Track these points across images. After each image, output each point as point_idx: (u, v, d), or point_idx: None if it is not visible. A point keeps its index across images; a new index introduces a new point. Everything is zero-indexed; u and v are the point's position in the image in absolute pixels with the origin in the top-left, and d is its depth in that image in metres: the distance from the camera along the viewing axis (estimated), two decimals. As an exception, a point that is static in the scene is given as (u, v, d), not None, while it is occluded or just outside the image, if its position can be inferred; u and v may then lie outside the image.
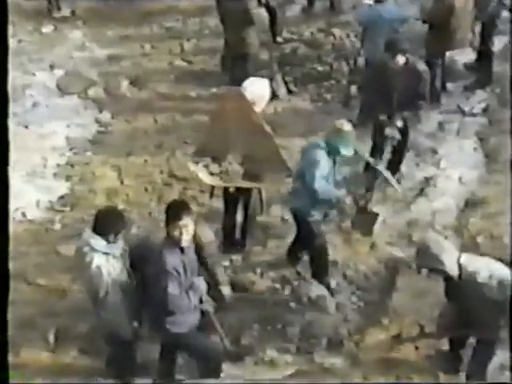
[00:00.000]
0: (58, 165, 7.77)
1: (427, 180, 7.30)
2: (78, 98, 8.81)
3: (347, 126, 5.75)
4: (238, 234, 6.58)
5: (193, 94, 8.79)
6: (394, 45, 6.60)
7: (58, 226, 6.98)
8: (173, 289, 4.69)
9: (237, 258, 6.50)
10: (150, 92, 8.91)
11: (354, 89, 8.35)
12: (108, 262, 4.73)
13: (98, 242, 4.74)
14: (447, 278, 4.98)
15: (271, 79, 7.57)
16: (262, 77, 6.67)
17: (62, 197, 7.34)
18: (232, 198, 6.28)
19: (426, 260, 4.93)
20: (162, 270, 4.69)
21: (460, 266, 4.90)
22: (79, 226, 6.76)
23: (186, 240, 4.77)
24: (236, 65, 8.10)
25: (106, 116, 8.52)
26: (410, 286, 6.08)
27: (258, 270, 6.39)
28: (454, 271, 4.89)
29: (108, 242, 4.75)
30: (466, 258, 4.98)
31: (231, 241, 6.55)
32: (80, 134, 8.20)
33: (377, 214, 6.17)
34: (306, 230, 5.94)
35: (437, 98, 8.13)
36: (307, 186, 5.62)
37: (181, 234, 4.71)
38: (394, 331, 5.77)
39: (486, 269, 4.93)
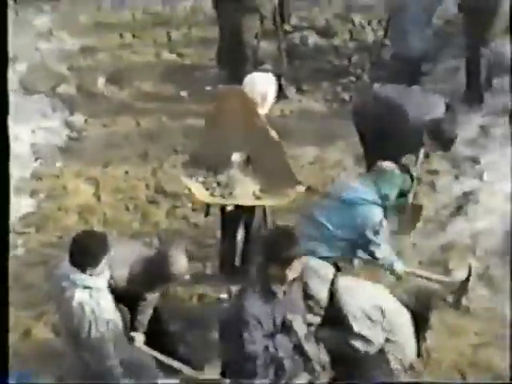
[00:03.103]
0: (21, 177, 7.79)
1: (467, 195, 7.34)
2: (45, 98, 8.88)
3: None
4: (237, 261, 6.62)
5: (183, 94, 8.88)
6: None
7: (20, 252, 6.99)
8: (253, 346, 4.56)
9: (237, 288, 6.50)
10: (132, 90, 9.00)
11: (377, 86, 8.39)
12: (92, 297, 4.79)
13: (78, 276, 4.79)
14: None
15: (279, 75, 7.63)
16: (267, 72, 6.77)
17: (25, 216, 7.37)
18: (231, 218, 6.32)
19: None
20: (238, 316, 4.57)
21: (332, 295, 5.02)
22: (47, 251, 6.87)
23: None
24: (235, 58, 8.18)
25: (78, 119, 8.57)
26: (447, 324, 6.10)
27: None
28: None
29: (90, 274, 4.80)
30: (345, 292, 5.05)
31: (230, 268, 6.59)
32: (48, 141, 8.27)
33: (420, 206, 6.23)
34: None
35: (479, 96, 8.21)
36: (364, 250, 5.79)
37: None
38: (428, 379, 5.74)
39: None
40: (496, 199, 7.28)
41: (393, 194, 5.86)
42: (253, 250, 6.52)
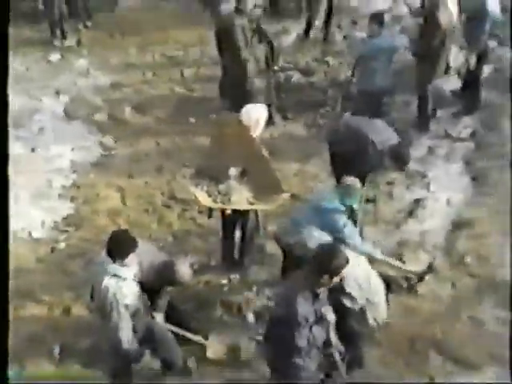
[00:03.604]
0: (63, 186, 7.78)
1: (417, 202, 7.32)
2: (82, 123, 8.83)
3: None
4: (236, 255, 6.58)
5: (192, 120, 8.82)
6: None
7: (62, 246, 6.97)
8: (301, 340, 4.40)
9: (235, 276, 6.52)
10: (152, 117, 8.95)
11: (347, 116, 8.41)
12: (117, 284, 4.80)
13: (110, 265, 4.83)
14: None
15: (268, 105, 7.62)
16: (260, 103, 6.75)
17: (66, 217, 7.35)
18: (230, 219, 6.29)
19: None
20: (291, 319, 4.38)
21: None
22: (83, 246, 6.90)
23: None
24: (234, 92, 8.15)
25: (109, 140, 8.53)
26: (401, 304, 6.08)
27: (255, 288, 6.39)
28: None
29: (121, 265, 4.82)
30: None
31: (230, 261, 6.57)
32: (84, 157, 8.22)
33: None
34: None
35: (426, 124, 8.25)
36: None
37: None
38: (387, 349, 5.72)
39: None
40: (439, 205, 7.28)
41: (354, 203, 5.91)
42: (248, 245, 6.59)
